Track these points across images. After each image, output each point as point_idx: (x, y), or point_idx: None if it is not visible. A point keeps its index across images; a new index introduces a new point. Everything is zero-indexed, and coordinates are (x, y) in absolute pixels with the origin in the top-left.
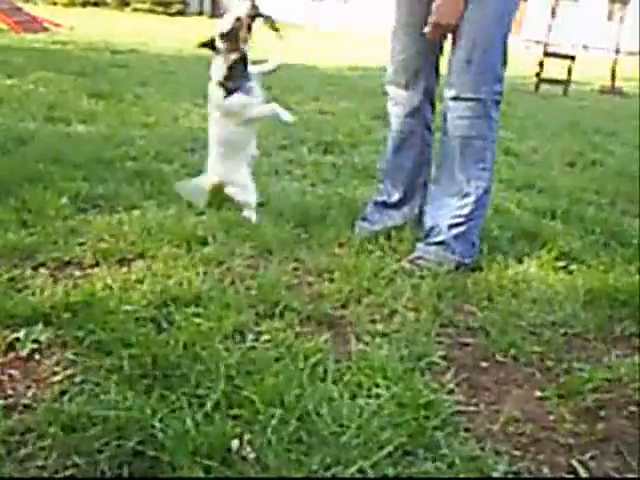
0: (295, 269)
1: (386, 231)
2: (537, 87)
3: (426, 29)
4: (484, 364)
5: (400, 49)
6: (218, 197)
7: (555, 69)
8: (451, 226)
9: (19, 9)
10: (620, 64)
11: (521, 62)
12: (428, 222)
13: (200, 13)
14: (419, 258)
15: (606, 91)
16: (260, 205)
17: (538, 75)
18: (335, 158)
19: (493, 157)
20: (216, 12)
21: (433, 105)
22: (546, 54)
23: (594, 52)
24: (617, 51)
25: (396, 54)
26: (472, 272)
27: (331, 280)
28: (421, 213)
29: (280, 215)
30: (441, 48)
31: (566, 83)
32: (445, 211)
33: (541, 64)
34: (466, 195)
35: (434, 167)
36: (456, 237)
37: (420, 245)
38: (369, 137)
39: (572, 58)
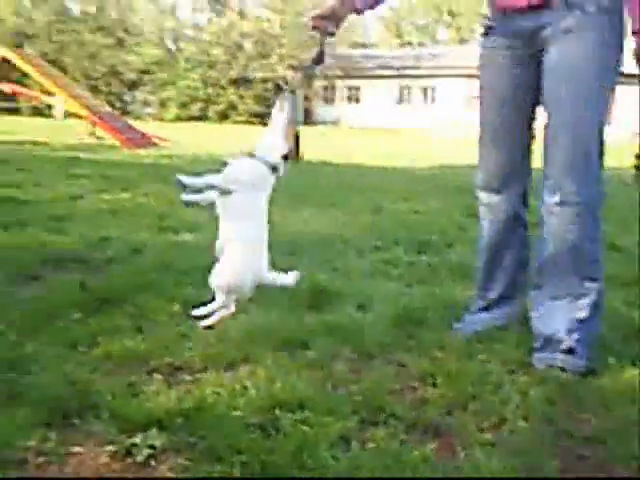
0: (397, 373)
1: (488, 332)
2: (637, 178)
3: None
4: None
5: (489, 155)
6: (317, 299)
7: None
8: (570, 331)
9: (131, 127)
10: None
11: (618, 152)
12: (543, 330)
13: None
14: (544, 364)
15: None
16: (359, 307)
17: (637, 167)
18: (430, 258)
19: (603, 256)
20: (308, 121)
21: (527, 205)
22: None
23: None
24: None
25: (485, 160)
26: (582, 377)
27: (434, 385)
28: (524, 315)
29: (379, 317)
30: (529, 148)
31: None
32: (559, 316)
33: (638, 155)
34: (581, 297)
35: (534, 272)
36: (578, 341)
37: (543, 355)
38: (464, 235)
39: None
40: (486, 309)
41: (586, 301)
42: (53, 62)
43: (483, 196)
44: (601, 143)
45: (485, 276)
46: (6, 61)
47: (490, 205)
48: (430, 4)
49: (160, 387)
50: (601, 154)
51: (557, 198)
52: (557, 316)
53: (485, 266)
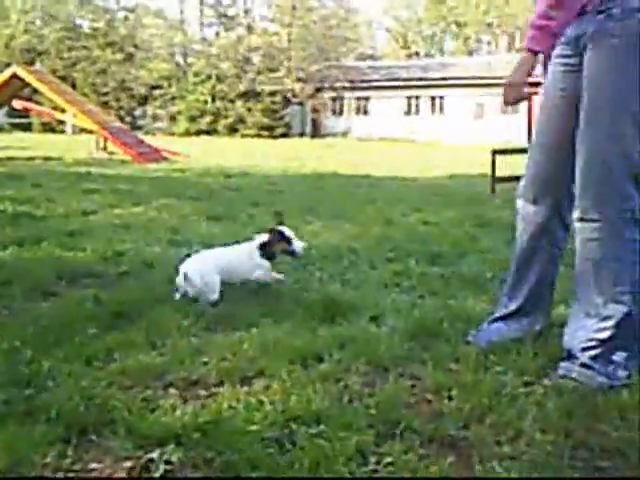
0: (412, 386)
1: (502, 343)
2: None
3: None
4: None
5: (532, 164)
6: (330, 311)
7: None
8: (584, 349)
9: (142, 141)
10: None
11: None
12: (566, 343)
13: (301, 134)
14: (563, 377)
15: None
16: (372, 319)
17: None
18: (442, 269)
19: (635, 279)
20: (316, 133)
21: (565, 223)
22: None
23: None
24: None
25: (529, 169)
26: (600, 390)
27: (450, 398)
28: (542, 331)
29: (392, 329)
30: (572, 160)
31: None
32: (581, 333)
33: None
34: (605, 318)
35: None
36: (595, 359)
37: (564, 364)
38: (476, 246)
39: None
40: (503, 319)
41: (610, 323)
42: (63, 78)
43: (520, 204)
44: (628, 157)
45: (512, 285)
46: (17, 78)
47: (523, 214)
48: (436, 15)
49: (176, 402)
50: (629, 169)
51: (576, 214)
52: (580, 333)
53: (513, 275)
